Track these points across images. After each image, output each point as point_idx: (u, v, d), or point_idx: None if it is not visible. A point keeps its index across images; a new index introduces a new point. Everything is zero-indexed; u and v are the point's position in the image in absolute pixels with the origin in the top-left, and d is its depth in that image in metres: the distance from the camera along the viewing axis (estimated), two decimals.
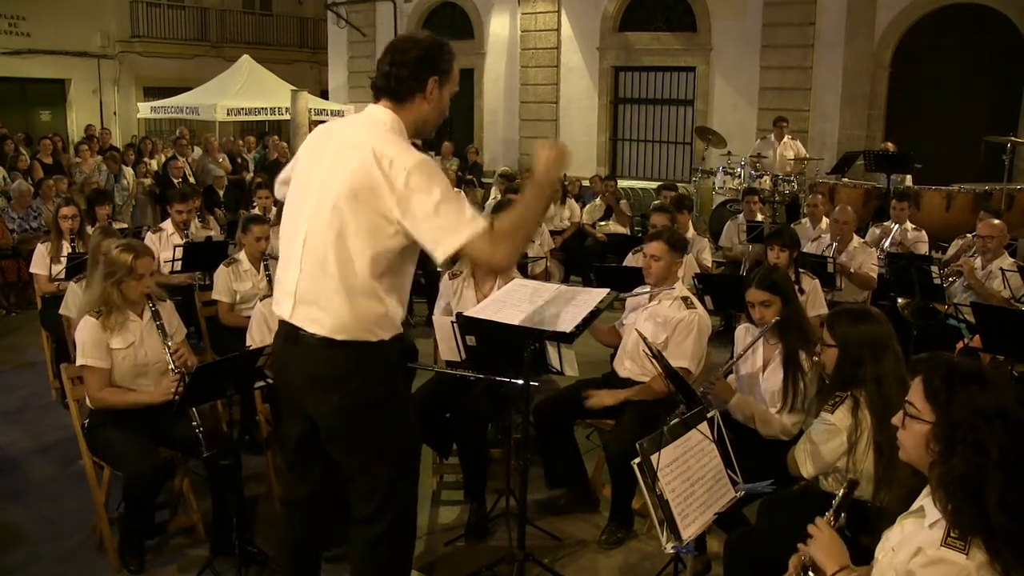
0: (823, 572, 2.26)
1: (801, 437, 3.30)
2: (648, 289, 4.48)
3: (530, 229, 2.78)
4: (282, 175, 3.07)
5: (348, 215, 2.65)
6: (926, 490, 2.14)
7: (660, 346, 4.14)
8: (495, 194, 10.69)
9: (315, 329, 2.73)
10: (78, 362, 3.96)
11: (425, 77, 2.76)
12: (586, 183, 12.36)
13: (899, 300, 6.24)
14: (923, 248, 7.61)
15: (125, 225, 8.49)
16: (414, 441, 3.07)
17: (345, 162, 2.67)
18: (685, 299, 4.39)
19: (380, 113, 2.78)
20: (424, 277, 7.87)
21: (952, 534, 1.98)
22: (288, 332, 2.80)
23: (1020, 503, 1.95)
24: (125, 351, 3.98)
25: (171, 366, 3.97)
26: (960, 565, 1.95)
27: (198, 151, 14.18)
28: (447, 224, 2.59)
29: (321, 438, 2.89)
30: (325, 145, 2.81)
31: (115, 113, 21.36)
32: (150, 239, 6.73)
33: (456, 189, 2.60)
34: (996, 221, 6.28)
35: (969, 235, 6.75)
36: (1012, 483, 1.96)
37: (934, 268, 6.05)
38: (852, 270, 6.49)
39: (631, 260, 6.43)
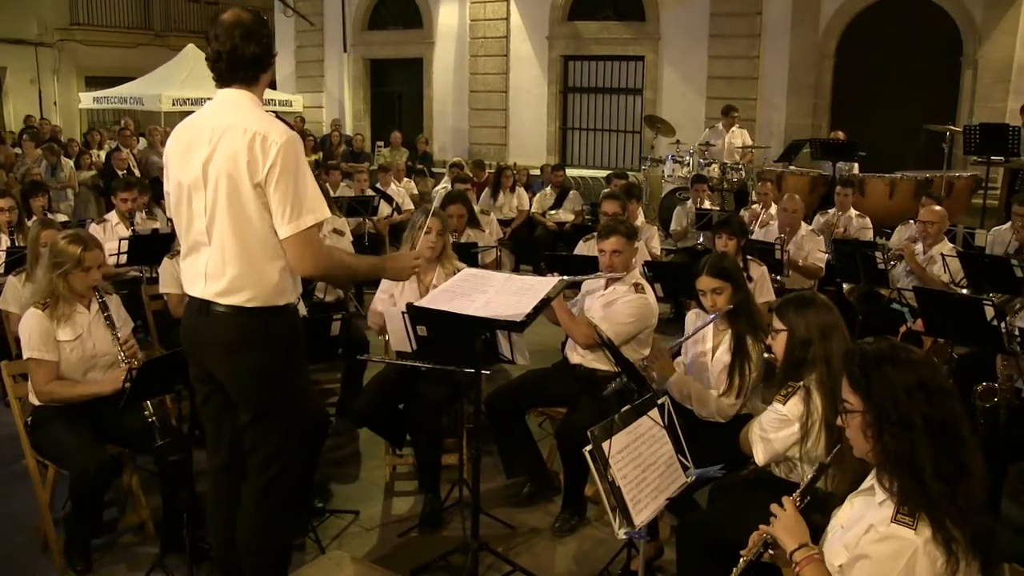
0: (783, 549, 2.32)
1: (752, 420, 3.35)
2: (601, 274, 4.50)
3: (342, 277, 3.39)
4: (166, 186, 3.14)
5: (241, 192, 2.83)
6: (875, 471, 2.21)
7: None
8: (445, 183, 10.65)
9: (229, 300, 2.92)
10: (24, 355, 3.87)
11: (272, 53, 2.99)
12: (536, 172, 12.38)
13: (844, 285, 6.35)
14: (868, 235, 7.76)
15: (65, 218, 8.29)
16: (305, 404, 3.31)
17: (226, 146, 2.83)
18: (636, 285, 4.43)
19: (239, 96, 2.93)
20: None
21: (901, 511, 2.06)
22: (200, 305, 2.99)
23: (952, 468, 2.05)
24: (73, 343, 3.91)
25: (121, 357, 3.90)
26: (909, 540, 2.02)
27: (143, 142, 13.89)
28: (294, 205, 2.83)
29: (227, 400, 3.08)
30: (192, 137, 2.94)
31: (55, 103, 20.85)
32: (94, 229, 6.56)
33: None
34: (937, 207, 6.42)
35: (912, 221, 6.89)
36: (941, 450, 2.06)
37: (878, 254, 6.17)
38: (800, 261, 6.60)
39: (582, 248, 6.45)
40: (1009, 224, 6.91)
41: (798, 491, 2.42)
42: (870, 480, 2.23)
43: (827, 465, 2.43)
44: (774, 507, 2.36)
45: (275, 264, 2.94)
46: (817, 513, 2.42)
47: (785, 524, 2.32)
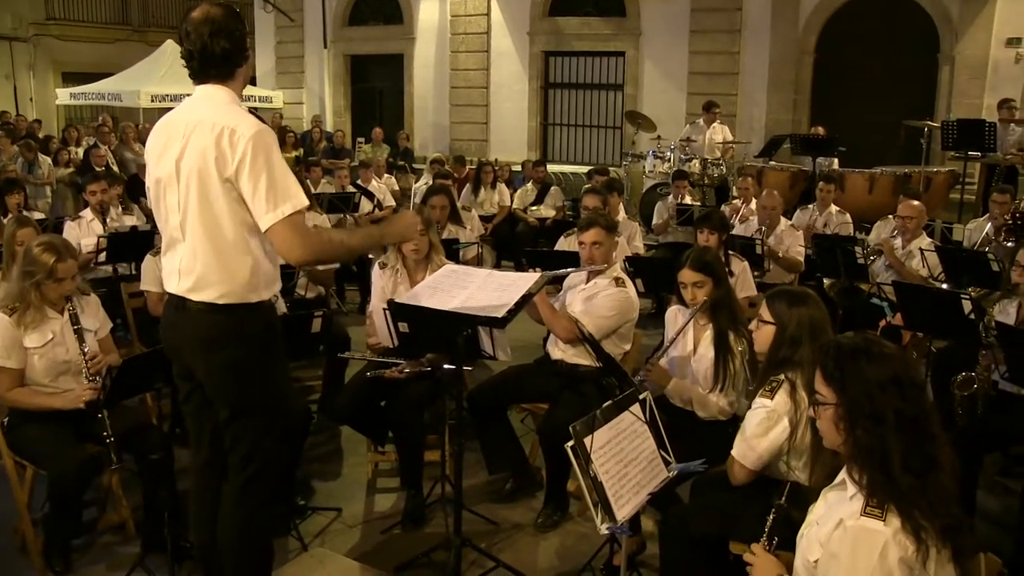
0: None
1: (736, 439, 3.21)
2: (581, 268, 4.50)
3: (337, 256, 3.45)
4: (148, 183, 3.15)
5: (210, 189, 2.83)
6: (846, 464, 2.23)
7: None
8: (426, 179, 10.63)
9: (200, 297, 2.92)
10: None
11: (245, 46, 2.97)
12: (517, 168, 12.38)
13: (825, 281, 6.40)
14: (848, 230, 7.81)
15: (43, 215, 8.21)
16: (284, 401, 3.26)
17: (196, 142, 2.83)
18: (617, 279, 4.44)
19: (214, 91, 2.93)
20: (356, 264, 7.80)
21: (870, 503, 2.08)
22: (177, 302, 3.00)
23: (921, 462, 2.08)
24: (42, 349, 3.84)
25: (85, 373, 3.85)
26: (879, 532, 2.04)
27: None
28: (269, 196, 2.78)
29: (207, 397, 3.07)
30: (170, 133, 2.95)
31: (31, 99, 20.64)
32: (69, 227, 6.52)
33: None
34: (916, 203, 6.47)
35: (891, 216, 6.95)
36: (911, 445, 2.09)
37: (858, 249, 6.22)
38: (780, 254, 6.63)
39: (563, 244, 6.45)
40: (986, 217, 6.97)
41: (764, 536, 2.44)
42: (842, 474, 2.25)
43: (784, 507, 2.46)
44: (747, 556, 2.41)
45: (245, 261, 2.91)
46: (795, 509, 2.43)
47: (758, 571, 2.36)
